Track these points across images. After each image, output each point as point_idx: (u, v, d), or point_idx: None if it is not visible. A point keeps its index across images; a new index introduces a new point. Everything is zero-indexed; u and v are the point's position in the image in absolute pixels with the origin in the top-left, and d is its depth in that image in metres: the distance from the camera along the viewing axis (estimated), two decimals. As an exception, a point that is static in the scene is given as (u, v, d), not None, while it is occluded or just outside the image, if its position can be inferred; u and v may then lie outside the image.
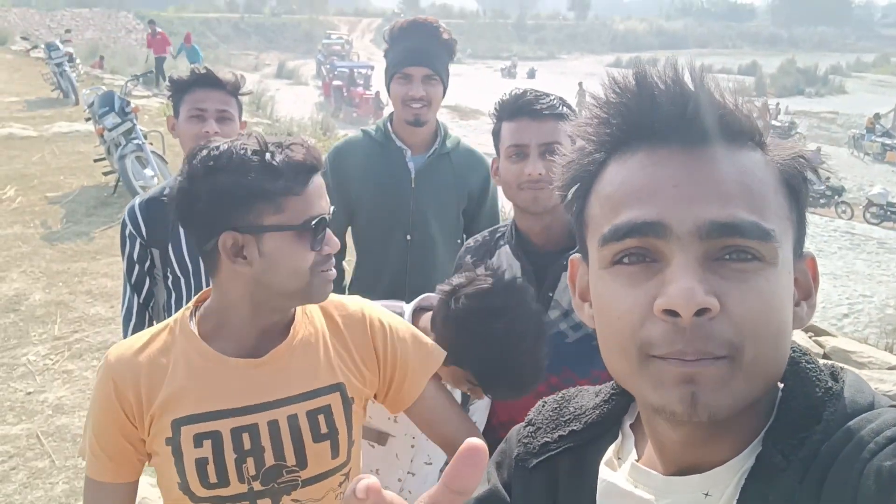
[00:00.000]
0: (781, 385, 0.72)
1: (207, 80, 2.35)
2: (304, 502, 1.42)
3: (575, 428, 0.87)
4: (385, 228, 2.63)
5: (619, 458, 0.82)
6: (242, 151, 1.29)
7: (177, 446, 1.34)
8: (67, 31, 21.08)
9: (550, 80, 37.64)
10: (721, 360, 0.64)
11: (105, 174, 8.95)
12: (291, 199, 1.30)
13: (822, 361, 0.74)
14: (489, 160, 2.55)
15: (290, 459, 1.38)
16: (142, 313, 2.47)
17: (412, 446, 1.82)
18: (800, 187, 0.71)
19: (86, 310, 5.70)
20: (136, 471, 1.41)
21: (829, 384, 0.70)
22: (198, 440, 1.34)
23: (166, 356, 1.37)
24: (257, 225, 1.30)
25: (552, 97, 1.84)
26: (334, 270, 1.39)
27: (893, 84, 47.76)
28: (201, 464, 1.34)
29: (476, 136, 24.60)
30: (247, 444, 1.35)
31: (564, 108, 1.84)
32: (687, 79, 0.68)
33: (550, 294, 1.86)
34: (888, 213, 18.75)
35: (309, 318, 1.46)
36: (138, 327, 2.45)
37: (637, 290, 0.67)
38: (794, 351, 0.73)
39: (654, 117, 0.69)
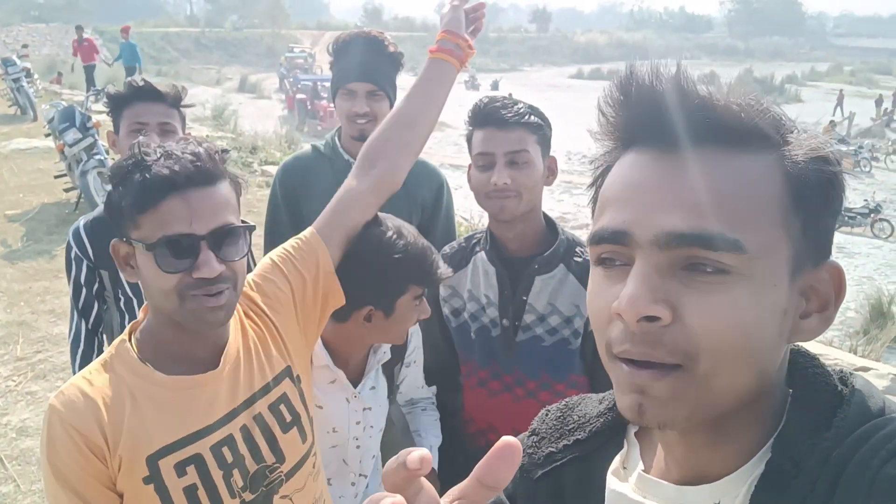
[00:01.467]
0: (791, 391, 0.71)
1: (147, 93, 2.27)
2: (292, 496, 1.41)
3: (580, 437, 0.87)
4: None
5: (625, 468, 0.81)
6: (126, 161, 1.26)
7: (160, 482, 1.27)
8: (24, 45, 20.72)
9: (514, 91, 37.74)
10: (673, 371, 0.64)
11: (66, 191, 8.79)
12: (145, 215, 1.24)
13: (830, 366, 0.72)
14: (442, 172, 2.56)
15: (269, 458, 1.37)
16: (90, 339, 2.37)
17: (357, 447, 1.82)
18: (812, 192, 0.67)
19: (49, 329, 5.58)
20: None
21: (839, 389, 0.69)
22: (180, 469, 1.29)
23: (117, 393, 1.28)
24: (125, 234, 1.28)
25: (520, 105, 1.85)
26: (225, 296, 1.28)
27: (847, 92, 48.96)
28: (191, 491, 1.30)
29: (442, 148, 24.62)
30: (229, 458, 1.33)
31: (533, 116, 1.85)
32: (664, 81, 0.67)
33: (525, 298, 1.87)
34: (845, 217, 19.03)
35: (240, 316, 1.44)
36: (87, 354, 2.36)
37: (608, 291, 0.69)
38: (802, 357, 0.73)
39: (638, 120, 0.69)
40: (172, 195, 1.23)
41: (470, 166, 1.95)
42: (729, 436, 0.70)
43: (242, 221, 1.33)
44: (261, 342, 1.43)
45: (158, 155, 1.25)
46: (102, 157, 8.03)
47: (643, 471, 0.78)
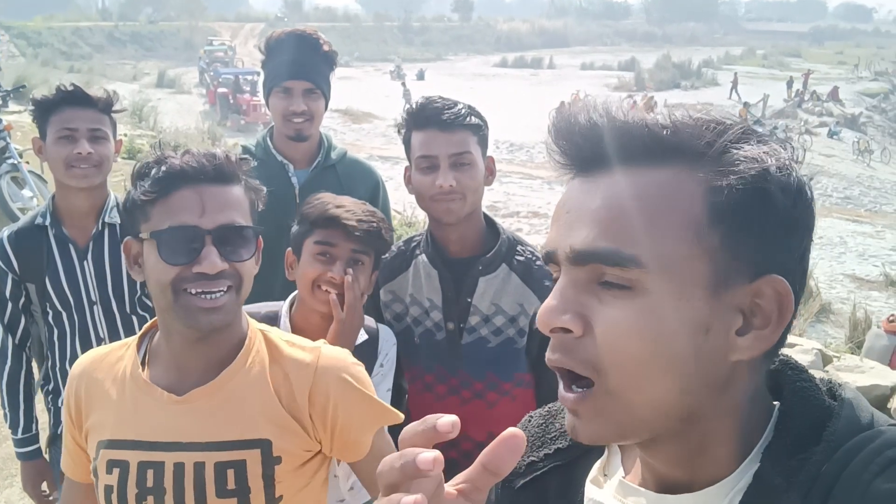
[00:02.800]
0: (776, 403, 0.72)
1: (76, 98, 2.19)
2: None
3: (561, 446, 0.87)
4: (271, 244, 2.52)
5: (605, 475, 0.82)
6: (147, 160, 1.28)
7: (94, 468, 1.32)
8: (-77, 44, 19.55)
9: (440, 81, 37.86)
10: (591, 390, 0.67)
11: (-22, 197, 8.35)
12: (155, 207, 1.25)
13: (819, 378, 0.72)
14: (377, 170, 2.53)
15: None
16: (18, 355, 2.30)
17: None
18: (735, 208, 0.65)
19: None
20: (86, 473, 1.40)
21: (828, 403, 0.69)
22: (109, 466, 1.30)
23: (108, 374, 1.36)
24: (137, 231, 1.29)
25: (460, 106, 1.83)
26: (223, 298, 1.25)
27: (760, 75, 50.66)
28: (108, 491, 1.30)
29: (370, 140, 24.49)
30: (149, 482, 1.29)
31: (473, 117, 1.84)
32: (578, 112, 0.70)
33: (469, 300, 1.86)
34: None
35: (253, 361, 1.34)
36: (15, 370, 2.29)
37: None
38: (790, 369, 0.73)
39: (563, 150, 0.73)
40: (184, 187, 1.24)
41: (408, 169, 1.92)
42: (702, 449, 0.70)
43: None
44: (260, 402, 1.32)
45: (178, 153, 1.28)
46: (16, 161, 7.67)
47: (623, 477, 0.78)
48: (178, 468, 1.29)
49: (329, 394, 1.35)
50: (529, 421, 0.94)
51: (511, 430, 0.53)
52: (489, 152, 1.94)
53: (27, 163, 8.00)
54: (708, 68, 53.70)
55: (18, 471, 3.78)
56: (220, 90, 28.21)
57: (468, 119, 1.82)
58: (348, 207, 1.78)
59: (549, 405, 0.95)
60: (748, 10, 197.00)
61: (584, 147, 0.70)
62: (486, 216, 1.95)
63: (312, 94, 2.42)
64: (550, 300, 0.69)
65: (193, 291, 1.24)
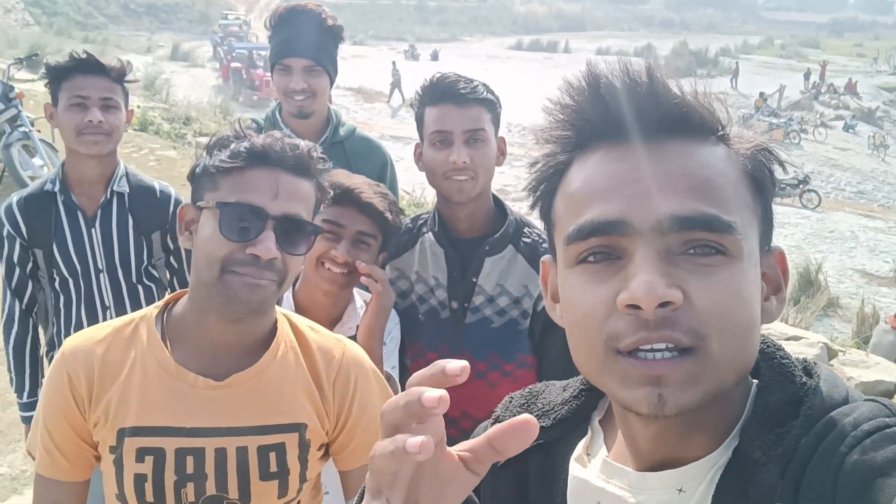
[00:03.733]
0: (754, 381, 0.73)
1: (89, 66, 2.19)
2: None
3: (544, 424, 0.86)
4: None
5: (588, 455, 0.82)
6: (227, 133, 1.27)
7: (119, 457, 1.27)
8: (-62, 9, 19.56)
9: (454, 62, 37.70)
10: (687, 355, 0.64)
11: (-11, 164, 8.39)
12: (228, 178, 1.23)
13: (794, 356, 0.74)
14: (385, 146, 2.52)
15: (233, 493, 1.29)
16: (25, 319, 2.33)
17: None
18: (764, 180, 0.71)
19: (-27, 310, 5.35)
20: (86, 470, 1.34)
21: (804, 379, 0.70)
22: (140, 455, 1.26)
23: (123, 355, 1.29)
24: (200, 198, 1.26)
25: (476, 82, 1.82)
26: (266, 281, 1.23)
27: (777, 65, 50.24)
28: (140, 480, 1.26)
29: (381, 119, 24.42)
30: (189, 468, 1.27)
31: (488, 94, 1.82)
32: (640, 75, 0.68)
33: (474, 279, 1.86)
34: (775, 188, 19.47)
35: (286, 346, 1.35)
36: (21, 335, 2.31)
37: (601, 287, 0.67)
38: (767, 346, 0.74)
39: (609, 116, 0.69)
40: (262, 167, 1.23)
41: (419, 146, 1.90)
42: (698, 425, 0.70)
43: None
44: (296, 386, 1.33)
45: (260, 134, 1.27)
46: (27, 130, 7.69)
47: (607, 456, 0.78)
48: (220, 453, 1.28)
49: (349, 388, 1.37)
50: (511, 401, 0.94)
51: (526, 416, 0.53)
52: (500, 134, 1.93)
53: (38, 131, 8.02)
54: (725, 57, 53.30)
55: (22, 436, 3.84)
56: (234, 65, 28.18)
57: (484, 94, 1.81)
58: (361, 188, 1.76)
59: (530, 386, 0.95)
60: None
61: (641, 115, 0.68)
62: (494, 197, 1.94)
63: (313, 71, 2.39)
64: (648, 274, 0.64)
65: (240, 272, 1.21)
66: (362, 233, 1.77)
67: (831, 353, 5.46)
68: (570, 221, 0.71)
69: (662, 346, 0.64)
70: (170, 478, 1.26)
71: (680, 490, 0.70)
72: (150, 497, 1.27)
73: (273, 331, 1.35)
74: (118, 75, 2.24)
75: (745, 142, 0.71)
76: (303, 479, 1.35)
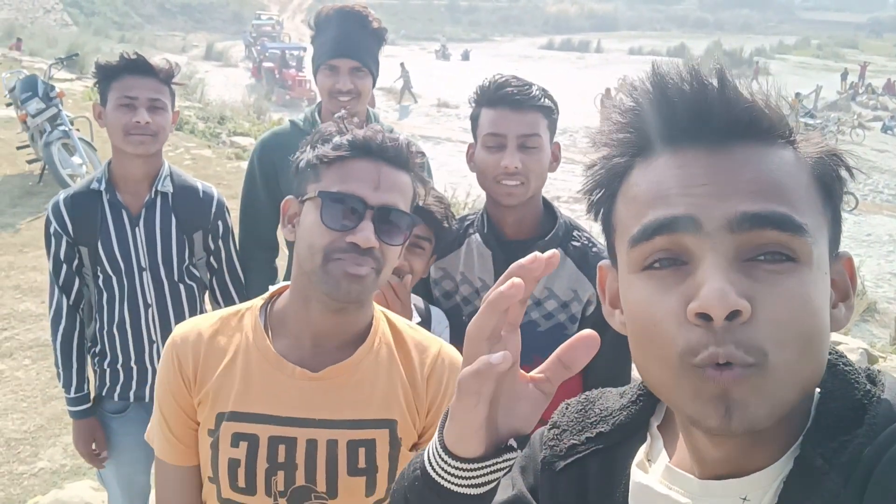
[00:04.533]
0: (817, 389, 0.71)
1: (138, 67, 2.22)
2: None
3: (603, 430, 0.86)
4: None
5: (649, 460, 0.81)
6: (329, 126, 1.31)
7: (216, 440, 1.30)
8: (-19, 10, 19.96)
9: (485, 62, 37.69)
10: (751, 369, 0.62)
11: (29, 162, 8.58)
12: (330, 169, 1.27)
13: (857, 364, 0.73)
14: (425, 147, 2.51)
15: (321, 485, 1.31)
16: (72, 314, 2.36)
17: None
18: (833, 185, 0.69)
19: (14, 306, 5.46)
20: (191, 455, 1.37)
21: (869, 387, 0.69)
22: (235, 440, 1.29)
23: (228, 342, 1.34)
24: (303, 192, 1.30)
25: (534, 88, 1.80)
26: (367, 270, 1.24)
27: (814, 66, 49.49)
28: (233, 465, 1.29)
29: (412, 119, 24.47)
30: (281, 457, 1.29)
31: (546, 100, 1.81)
32: (710, 79, 0.67)
33: None
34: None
35: (380, 342, 1.37)
36: (69, 330, 2.34)
37: (670, 295, 0.65)
38: (830, 354, 0.71)
39: (675, 119, 0.68)
40: (364, 158, 1.27)
41: (472, 146, 1.90)
42: (767, 437, 0.68)
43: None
44: (390, 382, 1.35)
45: (363, 127, 1.31)
46: (67, 129, 7.83)
47: (669, 462, 0.77)
48: (311, 445, 1.30)
49: (441, 386, 1.37)
50: (567, 408, 0.93)
51: (588, 330, 0.59)
52: None
53: (77, 130, 8.17)
54: (760, 57, 52.64)
55: (62, 431, 3.91)
56: (266, 64, 28.46)
57: (541, 101, 1.79)
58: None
59: (586, 393, 0.95)
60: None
61: (712, 120, 0.67)
62: (544, 199, 1.92)
63: (359, 73, 2.42)
64: (719, 281, 0.61)
65: (342, 258, 1.24)
66: (418, 236, 1.77)
67: (871, 359, 5.37)
68: (633, 224, 0.69)
69: (732, 361, 0.62)
70: (261, 465, 1.29)
71: (744, 499, 0.69)
72: (241, 482, 1.29)
73: (370, 326, 1.38)
74: (166, 77, 2.27)
75: (813, 146, 0.69)
76: (392, 478, 1.34)
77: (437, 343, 1.42)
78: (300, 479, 1.30)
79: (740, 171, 0.65)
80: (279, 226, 1.41)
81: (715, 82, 0.67)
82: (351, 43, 2.39)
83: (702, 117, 0.67)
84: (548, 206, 1.92)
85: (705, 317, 0.61)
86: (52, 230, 2.28)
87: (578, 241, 1.84)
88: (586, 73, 39.01)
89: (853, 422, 0.66)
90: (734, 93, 0.66)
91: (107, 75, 2.23)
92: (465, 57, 44.32)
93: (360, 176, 1.25)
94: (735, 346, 0.61)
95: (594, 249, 1.84)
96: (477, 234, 1.93)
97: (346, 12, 2.43)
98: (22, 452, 3.80)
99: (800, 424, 0.70)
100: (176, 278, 2.37)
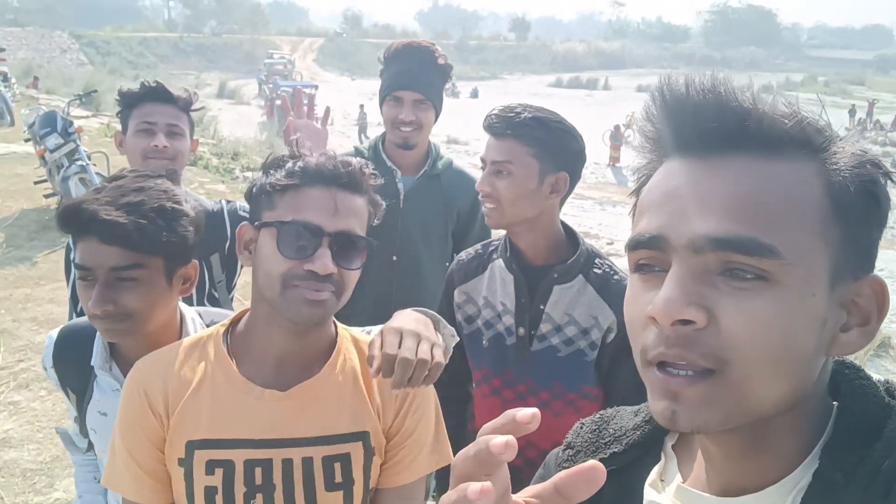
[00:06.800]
0: (835, 403, 0.71)
1: (157, 94, 2.27)
2: None
3: (616, 450, 0.86)
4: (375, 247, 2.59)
5: (662, 480, 0.81)
6: (283, 154, 1.31)
7: (189, 470, 1.28)
8: (1, 49, 20.42)
9: (494, 99, 37.92)
10: (706, 377, 0.64)
11: (46, 196, 8.67)
12: (284, 197, 1.27)
13: (875, 377, 0.72)
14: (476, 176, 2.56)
15: (300, 503, 1.31)
16: None
17: None
18: (853, 202, 0.66)
19: (31, 338, 5.49)
20: (161, 495, 1.34)
21: (887, 400, 0.69)
22: (210, 467, 1.28)
23: (193, 370, 1.33)
24: (258, 219, 1.30)
25: (523, 117, 1.80)
26: (327, 294, 1.26)
27: (822, 103, 49.57)
28: (210, 493, 1.28)
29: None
30: (258, 479, 1.28)
31: (535, 130, 1.79)
32: (703, 85, 0.67)
33: (542, 307, 1.85)
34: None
35: (345, 356, 1.38)
36: None
37: (643, 296, 0.69)
38: (847, 368, 0.72)
39: (673, 128, 0.70)
40: (317, 185, 1.27)
41: None
42: (768, 444, 0.69)
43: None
44: (358, 394, 1.36)
45: (315, 153, 1.31)
46: (84, 164, 7.94)
47: (682, 483, 0.77)
48: (287, 464, 1.29)
49: (408, 407, 1.39)
50: (581, 427, 0.94)
51: (593, 462, 0.51)
52: None
53: (94, 165, 8.28)
54: (767, 94, 52.82)
55: (1, 483, 3.89)
56: (278, 102, 28.79)
57: (521, 129, 1.79)
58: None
59: (601, 412, 0.95)
60: (811, 37, 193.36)
61: (697, 129, 0.67)
62: (565, 226, 1.94)
63: (422, 105, 2.50)
64: (670, 291, 0.64)
65: (300, 286, 1.24)
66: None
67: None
68: (632, 229, 0.73)
69: (682, 362, 0.64)
70: (239, 490, 1.28)
71: None
72: None
73: (333, 342, 1.39)
74: (185, 104, 2.31)
75: (845, 156, 0.66)
76: (367, 490, 1.36)
77: None
78: (279, 500, 1.29)
79: (718, 185, 0.65)
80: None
81: (707, 89, 0.67)
82: (416, 76, 2.48)
83: (691, 125, 0.67)
84: (570, 233, 1.93)
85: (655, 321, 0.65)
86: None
87: (600, 268, 1.85)
88: (595, 109, 39.25)
89: (871, 435, 0.66)
90: (726, 99, 0.66)
91: (128, 103, 2.28)
92: (475, 94, 44.76)
93: (315, 204, 1.25)
94: (686, 349, 0.64)
95: (615, 277, 1.84)
96: (500, 259, 1.95)
97: (414, 47, 2.53)
98: (38, 483, 3.80)
99: (812, 434, 0.70)
100: (195, 303, 2.38)
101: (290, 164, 1.28)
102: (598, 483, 0.50)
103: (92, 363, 1.62)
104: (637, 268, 0.71)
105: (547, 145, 1.80)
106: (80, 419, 1.79)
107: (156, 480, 1.33)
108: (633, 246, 0.70)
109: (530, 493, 0.53)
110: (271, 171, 1.30)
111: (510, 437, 0.50)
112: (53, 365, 1.70)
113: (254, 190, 1.33)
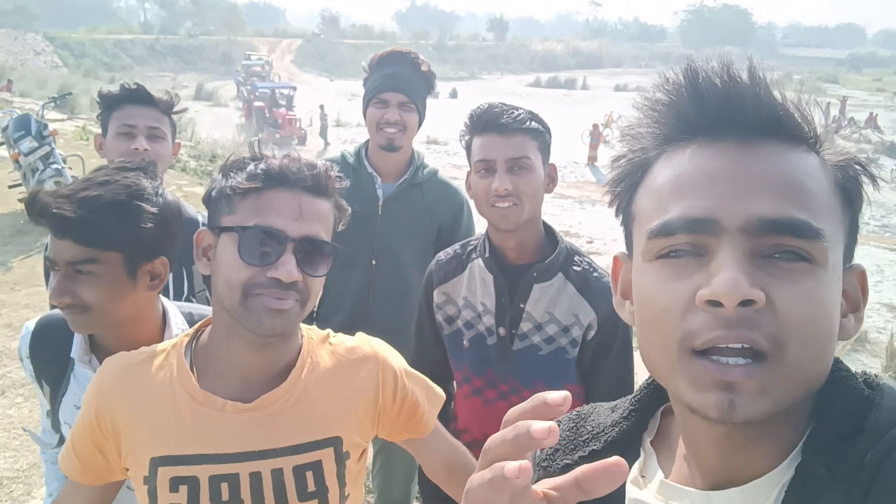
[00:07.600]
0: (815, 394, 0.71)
1: (138, 97, 2.23)
2: None
3: (595, 448, 0.85)
4: (349, 252, 2.56)
5: (643, 477, 0.80)
6: (244, 155, 1.25)
7: (153, 487, 1.24)
8: (-28, 52, 20.08)
9: (473, 99, 37.84)
10: (762, 362, 0.63)
11: (20, 200, 8.52)
12: (245, 201, 1.20)
13: (853, 369, 0.73)
14: (460, 188, 2.55)
15: None
16: None
17: None
18: (853, 193, 0.70)
19: (6, 344, 5.40)
20: (100, 477, 1.33)
21: (867, 392, 0.69)
22: (174, 484, 1.23)
23: (154, 383, 1.27)
24: (217, 224, 1.23)
25: (520, 111, 1.83)
26: (291, 303, 1.20)
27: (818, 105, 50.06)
28: None
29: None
30: (224, 495, 1.24)
31: (533, 122, 1.84)
32: (742, 75, 0.67)
33: (522, 306, 1.85)
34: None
35: (312, 363, 1.33)
36: None
37: (681, 283, 0.66)
38: None
39: (705, 112, 0.69)
40: (280, 188, 1.20)
41: (469, 173, 1.93)
42: (763, 436, 0.69)
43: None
44: (327, 399, 1.32)
45: (277, 156, 1.25)
46: (59, 167, 7.85)
47: (664, 478, 0.77)
48: (255, 478, 1.25)
49: (396, 376, 1.39)
50: (559, 425, 0.92)
51: (617, 458, 0.51)
52: None
53: (70, 168, 8.18)
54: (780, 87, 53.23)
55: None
56: (257, 104, 28.62)
57: (527, 123, 1.82)
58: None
59: (578, 409, 0.94)
60: (786, 36, 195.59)
61: (742, 114, 0.67)
62: (545, 224, 1.94)
63: (407, 107, 2.51)
64: (733, 271, 0.62)
65: (262, 295, 1.18)
66: None
67: (865, 388, 5.38)
68: (653, 216, 0.70)
69: (738, 345, 0.62)
70: None
71: None
72: None
73: (299, 351, 1.34)
74: (166, 107, 2.27)
75: (837, 153, 0.70)
76: (343, 497, 1.33)
77: (366, 344, 1.41)
78: None
79: (765, 169, 0.66)
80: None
81: (746, 78, 0.67)
82: (400, 79, 2.51)
83: (732, 111, 0.68)
84: (549, 231, 1.94)
85: (715, 304, 0.63)
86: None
87: (579, 265, 1.86)
88: (573, 108, 39.39)
89: (854, 428, 0.66)
90: (764, 90, 0.67)
91: (108, 105, 2.24)
92: (454, 95, 44.71)
93: (279, 207, 1.19)
94: (749, 330, 0.62)
95: (594, 274, 1.85)
96: (479, 259, 1.94)
97: (399, 54, 2.57)
98: (14, 491, 3.74)
99: (798, 427, 0.70)
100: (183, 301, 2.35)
101: (251, 167, 1.21)
102: (619, 479, 0.51)
103: (72, 355, 1.60)
104: (663, 255, 0.69)
105: (544, 137, 1.86)
106: (53, 412, 1.76)
107: (81, 464, 1.33)
108: (672, 230, 0.67)
109: (549, 485, 0.54)
110: (231, 174, 1.23)
111: (553, 424, 0.51)
112: (30, 355, 1.67)
113: (213, 193, 1.26)
